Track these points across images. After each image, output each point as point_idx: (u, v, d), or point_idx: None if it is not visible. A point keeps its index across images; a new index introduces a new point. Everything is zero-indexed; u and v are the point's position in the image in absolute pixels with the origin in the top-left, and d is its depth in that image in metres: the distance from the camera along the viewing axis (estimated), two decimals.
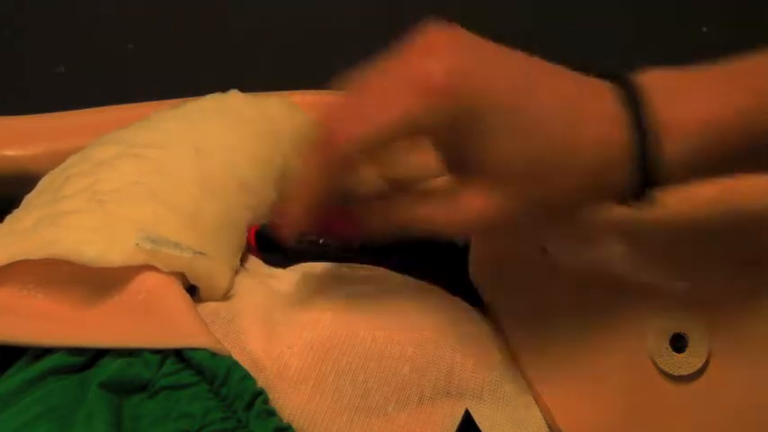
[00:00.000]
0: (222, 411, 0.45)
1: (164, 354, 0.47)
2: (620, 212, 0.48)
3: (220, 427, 0.44)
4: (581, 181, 0.45)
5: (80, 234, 0.49)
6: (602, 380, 0.52)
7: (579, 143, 0.44)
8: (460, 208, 0.46)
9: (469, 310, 0.54)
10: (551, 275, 0.54)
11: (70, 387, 0.46)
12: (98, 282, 0.49)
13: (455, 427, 0.48)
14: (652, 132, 0.44)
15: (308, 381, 0.47)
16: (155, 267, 0.49)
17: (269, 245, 0.57)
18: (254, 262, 0.56)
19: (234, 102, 0.60)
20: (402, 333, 0.50)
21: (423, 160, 0.50)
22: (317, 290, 0.52)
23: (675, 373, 0.52)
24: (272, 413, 0.45)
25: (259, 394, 0.45)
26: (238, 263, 0.54)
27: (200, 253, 0.50)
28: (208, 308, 0.50)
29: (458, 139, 0.45)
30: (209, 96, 0.61)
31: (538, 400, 0.52)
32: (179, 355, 0.47)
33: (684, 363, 0.52)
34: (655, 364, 0.52)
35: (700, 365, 0.52)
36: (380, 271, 0.55)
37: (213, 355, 0.46)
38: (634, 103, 0.45)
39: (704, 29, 0.90)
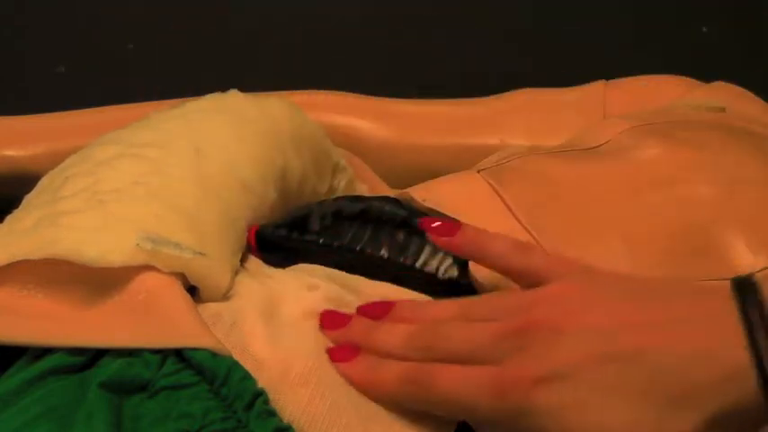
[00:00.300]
0: (222, 411, 0.45)
1: (164, 354, 0.47)
2: None
3: (220, 427, 0.44)
4: None
5: (80, 234, 0.49)
6: None
7: None
8: None
9: None
10: None
11: (70, 387, 0.46)
12: (98, 282, 0.49)
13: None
14: None
15: (308, 384, 0.47)
16: (155, 267, 0.49)
17: (269, 245, 0.57)
18: (254, 262, 0.56)
19: (234, 101, 0.60)
20: None
21: None
22: (317, 290, 0.52)
23: None
24: (272, 413, 0.45)
25: (259, 394, 0.45)
26: (238, 263, 0.54)
27: (201, 253, 0.50)
28: (209, 309, 0.50)
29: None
30: (209, 96, 0.61)
31: None
32: (179, 355, 0.47)
33: None
34: None
35: None
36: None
37: (213, 355, 0.46)
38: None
39: (704, 29, 0.90)
